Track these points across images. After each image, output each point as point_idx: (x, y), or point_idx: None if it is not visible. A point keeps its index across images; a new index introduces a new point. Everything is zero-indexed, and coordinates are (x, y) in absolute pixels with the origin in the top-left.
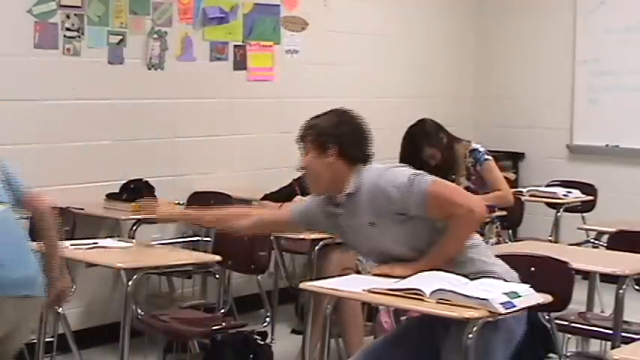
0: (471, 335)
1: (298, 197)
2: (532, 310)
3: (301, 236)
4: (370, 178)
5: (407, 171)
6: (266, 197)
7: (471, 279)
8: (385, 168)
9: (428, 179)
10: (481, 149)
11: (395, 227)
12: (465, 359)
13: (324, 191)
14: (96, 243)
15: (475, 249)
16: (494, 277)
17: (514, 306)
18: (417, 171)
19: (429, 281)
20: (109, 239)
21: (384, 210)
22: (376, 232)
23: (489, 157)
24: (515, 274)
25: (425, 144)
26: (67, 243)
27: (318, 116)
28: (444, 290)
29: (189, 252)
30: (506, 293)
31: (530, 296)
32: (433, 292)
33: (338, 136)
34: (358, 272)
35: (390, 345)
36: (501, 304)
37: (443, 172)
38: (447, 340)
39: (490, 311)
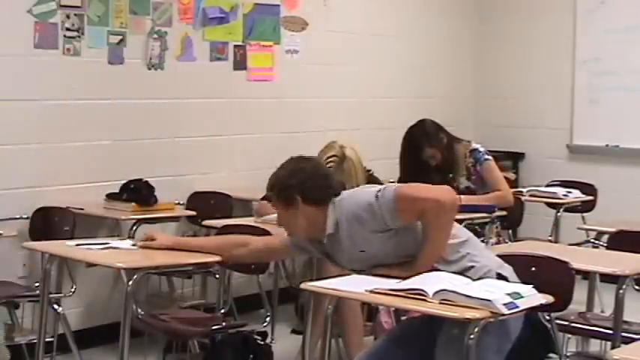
0: (472, 336)
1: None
2: (532, 311)
3: None
4: (345, 209)
5: (372, 190)
6: (266, 197)
7: (467, 276)
8: (351, 194)
9: (391, 188)
10: (481, 149)
11: (383, 245)
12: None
13: (306, 236)
14: (107, 243)
15: (465, 244)
16: (487, 271)
17: (517, 307)
18: (382, 186)
19: (431, 281)
20: (121, 240)
21: (366, 235)
22: (368, 255)
23: (489, 157)
24: (510, 268)
25: (425, 144)
26: (73, 242)
27: (275, 172)
28: (446, 291)
29: (189, 252)
30: (508, 294)
31: (532, 297)
32: (436, 292)
33: (297, 186)
34: None
35: (392, 346)
36: (504, 304)
37: (443, 172)
38: (439, 339)
39: (493, 312)
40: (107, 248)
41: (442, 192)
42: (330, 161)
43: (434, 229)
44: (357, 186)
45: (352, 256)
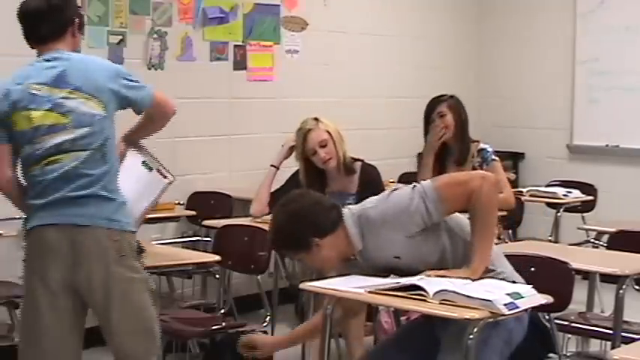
0: (471, 336)
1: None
2: (532, 311)
3: None
4: (372, 219)
5: (402, 193)
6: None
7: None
8: (383, 200)
9: (427, 183)
10: (489, 149)
11: (418, 248)
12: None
13: (341, 262)
14: None
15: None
16: (506, 278)
17: (517, 307)
18: (409, 187)
19: (432, 281)
20: None
21: (400, 240)
22: (402, 261)
23: (496, 158)
24: (519, 277)
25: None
26: None
27: (271, 230)
28: (447, 291)
29: (190, 252)
30: (509, 294)
31: (532, 297)
32: (436, 292)
33: (307, 231)
34: None
35: (392, 350)
36: (505, 305)
37: (459, 164)
38: (444, 340)
39: (493, 312)
40: None
41: (480, 172)
42: (308, 127)
43: (487, 207)
44: (340, 138)
45: (387, 264)
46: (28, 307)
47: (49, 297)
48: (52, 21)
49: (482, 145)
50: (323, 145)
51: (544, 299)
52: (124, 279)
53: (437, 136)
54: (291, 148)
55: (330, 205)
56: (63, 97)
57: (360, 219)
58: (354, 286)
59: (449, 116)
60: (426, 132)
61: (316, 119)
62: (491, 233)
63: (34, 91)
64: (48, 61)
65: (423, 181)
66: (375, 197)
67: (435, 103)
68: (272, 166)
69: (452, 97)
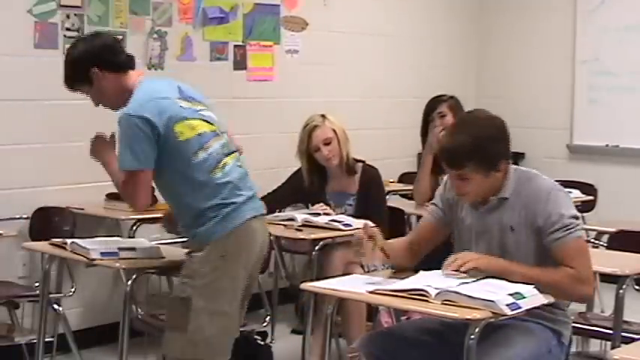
0: (472, 336)
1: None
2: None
3: (301, 236)
4: (535, 186)
5: (571, 207)
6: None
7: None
8: (554, 187)
9: (580, 233)
10: None
11: (525, 240)
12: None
13: (474, 200)
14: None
15: None
16: None
17: (519, 307)
18: (577, 214)
19: (433, 282)
20: (141, 239)
21: (530, 222)
22: (509, 240)
23: None
24: None
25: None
26: (88, 240)
27: (472, 133)
28: (449, 291)
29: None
30: (511, 294)
31: (534, 297)
32: (438, 293)
33: (502, 152)
34: (362, 266)
35: (404, 344)
36: (507, 305)
37: None
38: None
39: (494, 312)
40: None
41: (591, 287)
42: (314, 124)
43: (555, 285)
44: (346, 137)
45: (492, 233)
46: (229, 297)
47: (245, 282)
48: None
49: None
50: (327, 143)
51: (545, 299)
52: None
53: (436, 137)
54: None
55: (509, 151)
56: (200, 109)
57: (520, 178)
58: (355, 286)
59: (449, 116)
60: (425, 131)
61: (323, 116)
62: (539, 284)
63: (180, 104)
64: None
65: (578, 228)
66: (544, 178)
67: (435, 103)
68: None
69: (452, 97)
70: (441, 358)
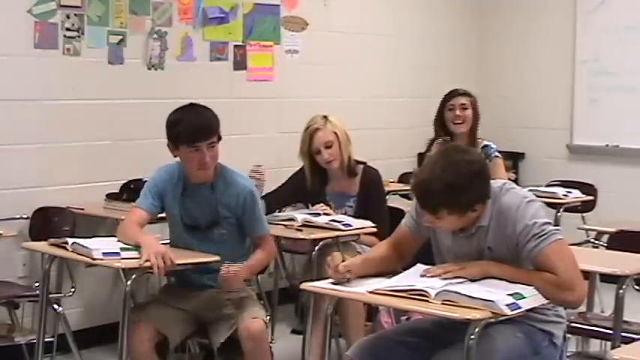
0: (472, 336)
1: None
2: None
3: (301, 236)
4: (505, 205)
5: (539, 216)
6: (264, 198)
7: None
8: (526, 200)
9: (555, 237)
10: (493, 146)
11: (505, 256)
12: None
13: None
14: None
15: None
16: None
17: (519, 307)
18: (548, 220)
19: (433, 282)
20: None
21: (507, 241)
22: (486, 257)
23: (499, 155)
24: None
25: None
26: (89, 240)
27: (426, 176)
28: (448, 291)
29: (190, 252)
30: (511, 294)
31: (534, 297)
32: (438, 293)
33: (475, 195)
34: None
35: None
36: (507, 305)
37: None
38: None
39: (494, 312)
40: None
41: (584, 292)
42: (316, 126)
43: (545, 286)
44: (347, 140)
45: (471, 253)
46: None
47: None
48: None
49: (485, 142)
50: (328, 146)
51: (545, 299)
52: None
53: (451, 122)
54: None
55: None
56: None
57: (495, 200)
58: (355, 286)
59: (469, 111)
60: (440, 119)
61: (325, 117)
62: (531, 284)
63: None
64: None
65: (554, 232)
66: (519, 193)
67: (458, 93)
68: None
69: (472, 95)
70: (432, 357)
